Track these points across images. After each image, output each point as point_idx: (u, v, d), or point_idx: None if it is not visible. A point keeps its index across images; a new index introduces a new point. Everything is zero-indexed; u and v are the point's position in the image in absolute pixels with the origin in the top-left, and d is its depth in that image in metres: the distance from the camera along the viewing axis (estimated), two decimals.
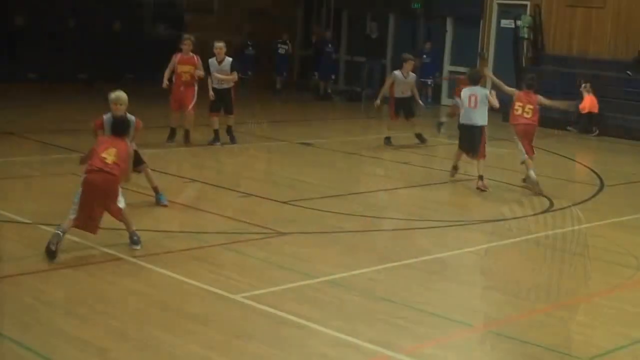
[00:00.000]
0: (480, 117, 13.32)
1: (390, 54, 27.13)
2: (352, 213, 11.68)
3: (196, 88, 15.50)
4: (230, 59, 15.53)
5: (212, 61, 15.55)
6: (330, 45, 26.56)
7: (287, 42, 26.75)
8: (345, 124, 21.55)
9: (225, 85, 15.59)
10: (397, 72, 17.13)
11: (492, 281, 9.01)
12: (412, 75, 17.15)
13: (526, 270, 9.71)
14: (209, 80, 15.56)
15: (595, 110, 21.09)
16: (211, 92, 15.54)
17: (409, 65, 16.98)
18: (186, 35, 16.05)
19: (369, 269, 9.07)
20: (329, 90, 26.20)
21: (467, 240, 10.67)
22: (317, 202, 12.01)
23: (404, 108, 17.21)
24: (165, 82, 15.35)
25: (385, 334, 7.29)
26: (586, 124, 21.02)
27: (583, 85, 21.42)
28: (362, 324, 7.49)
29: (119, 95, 10.20)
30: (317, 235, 10.44)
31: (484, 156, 13.44)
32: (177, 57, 15.47)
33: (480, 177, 13.24)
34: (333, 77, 26.83)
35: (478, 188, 13.16)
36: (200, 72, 15.40)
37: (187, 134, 15.48)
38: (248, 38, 26.32)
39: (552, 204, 12.71)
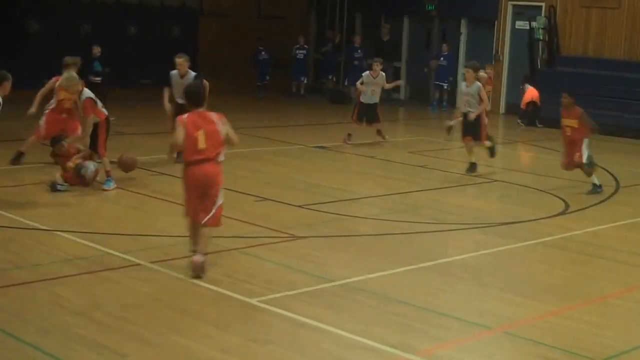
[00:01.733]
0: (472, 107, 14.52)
1: (405, 57, 27.16)
2: (367, 216, 11.73)
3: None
4: (194, 74, 14.39)
5: (175, 74, 14.45)
6: (359, 51, 26.29)
7: (305, 46, 26.81)
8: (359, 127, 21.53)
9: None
10: (367, 73, 17.82)
11: (508, 283, 9.02)
12: (382, 75, 17.79)
13: (542, 272, 9.73)
14: (165, 93, 14.39)
15: (538, 101, 21.76)
16: (167, 105, 14.34)
17: (377, 67, 17.70)
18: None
19: (385, 272, 9.12)
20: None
21: (484, 243, 10.68)
22: (332, 205, 12.07)
23: (367, 114, 17.68)
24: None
25: (402, 336, 7.34)
26: (531, 116, 21.67)
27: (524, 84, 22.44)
28: (378, 326, 7.54)
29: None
30: (332, 239, 10.50)
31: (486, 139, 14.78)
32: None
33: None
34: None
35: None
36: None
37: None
38: (259, 43, 26.21)
39: (567, 205, 12.72)
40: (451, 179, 14.49)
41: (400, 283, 8.87)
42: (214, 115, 8.76)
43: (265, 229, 10.65)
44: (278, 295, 8.18)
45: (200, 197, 8.69)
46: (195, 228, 8.79)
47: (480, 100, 14.53)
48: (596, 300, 8.69)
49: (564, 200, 13.00)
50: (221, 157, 8.75)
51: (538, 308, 8.34)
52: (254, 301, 7.96)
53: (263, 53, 26.19)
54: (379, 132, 17.93)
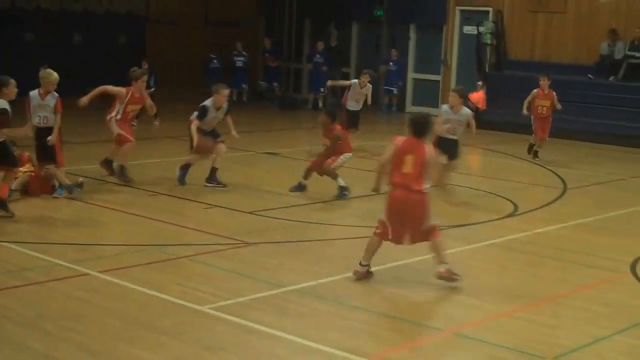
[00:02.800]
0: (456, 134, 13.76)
1: (354, 62, 27.25)
2: (318, 222, 11.72)
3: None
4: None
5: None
6: (318, 56, 26.29)
7: (244, 53, 26.60)
8: (310, 133, 21.52)
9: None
10: (356, 81, 18.15)
11: (460, 285, 9.06)
12: (369, 87, 18.03)
13: (492, 274, 9.80)
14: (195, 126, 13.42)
15: (482, 106, 22.09)
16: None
17: (363, 80, 17.96)
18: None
19: (336, 277, 9.10)
20: (321, 104, 25.11)
21: None
22: (282, 211, 12.04)
23: (353, 121, 17.92)
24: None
25: (355, 341, 7.33)
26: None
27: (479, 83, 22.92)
28: (331, 331, 7.52)
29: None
30: (283, 245, 10.47)
31: None
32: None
33: None
34: (322, 89, 25.24)
35: None
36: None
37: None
38: (211, 51, 26.04)
39: (516, 207, 12.83)
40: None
41: (351, 287, 8.85)
42: (427, 146, 8.85)
43: (215, 236, 10.58)
44: (229, 302, 8.11)
45: (400, 222, 8.84)
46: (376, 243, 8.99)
47: (467, 126, 13.58)
48: (547, 301, 8.77)
49: (512, 202, 13.12)
50: (424, 187, 8.75)
51: (489, 309, 8.39)
52: (205, 309, 7.90)
53: (215, 61, 25.98)
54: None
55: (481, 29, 24.28)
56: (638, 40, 22.10)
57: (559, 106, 17.75)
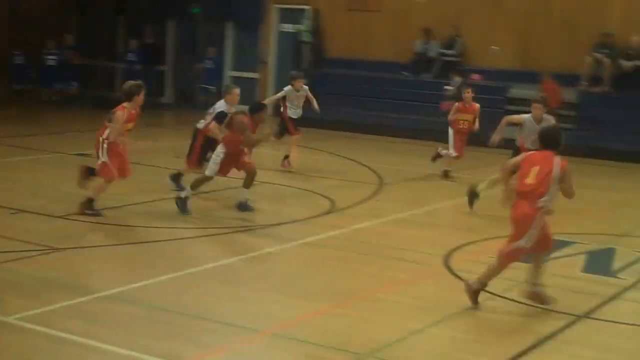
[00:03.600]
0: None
1: (170, 60, 26.87)
2: (131, 224, 11.40)
3: None
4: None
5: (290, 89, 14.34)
6: (132, 54, 25.61)
7: (56, 51, 25.56)
8: (135, 132, 20.91)
9: None
10: (289, 87, 16.58)
11: (276, 284, 9.02)
12: (305, 88, 16.64)
13: (310, 272, 9.81)
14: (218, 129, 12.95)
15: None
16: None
17: (297, 83, 16.55)
18: None
19: (149, 280, 8.87)
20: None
21: (251, 246, 10.68)
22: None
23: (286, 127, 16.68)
24: None
25: (170, 346, 7.15)
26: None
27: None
28: (145, 337, 7.32)
29: None
30: (94, 249, 10.12)
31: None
32: None
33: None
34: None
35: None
36: None
37: None
38: (15, 46, 24.81)
39: (333, 204, 12.92)
40: (218, 182, 14.33)
41: (165, 291, 8.64)
42: (556, 160, 8.39)
43: (22, 242, 10.08)
44: (37, 311, 7.73)
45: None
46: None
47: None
48: (363, 296, 8.84)
49: (329, 199, 13.20)
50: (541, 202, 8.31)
51: (307, 307, 8.37)
52: (10, 319, 7.50)
53: (20, 57, 24.93)
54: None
55: (299, 27, 24.44)
56: (451, 39, 22.84)
57: (476, 126, 15.80)
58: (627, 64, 20.73)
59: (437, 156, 16.04)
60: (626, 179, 17.33)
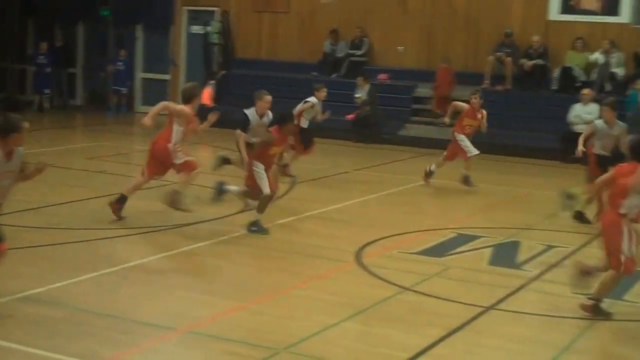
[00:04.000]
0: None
1: (80, 63, 26.59)
2: (46, 226, 11.33)
3: None
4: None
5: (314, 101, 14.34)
6: (42, 57, 25.11)
7: None
8: (48, 134, 20.71)
9: None
10: (317, 101, 15.78)
11: (192, 283, 9.10)
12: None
13: (225, 270, 9.94)
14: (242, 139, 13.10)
15: (209, 102, 22.05)
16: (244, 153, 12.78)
17: (321, 94, 15.79)
18: None
19: (66, 281, 8.88)
20: (47, 105, 24.25)
21: (166, 245, 10.71)
22: (8, 217, 11.50)
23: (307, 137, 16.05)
24: None
25: (88, 346, 7.19)
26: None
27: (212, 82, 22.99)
28: (63, 338, 7.34)
29: None
30: (13, 252, 9.93)
31: None
32: None
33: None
34: (47, 91, 24.67)
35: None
36: None
37: None
38: None
39: (248, 203, 13.03)
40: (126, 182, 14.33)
41: (83, 292, 8.66)
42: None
43: None
44: None
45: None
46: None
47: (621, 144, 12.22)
48: (279, 293, 9.00)
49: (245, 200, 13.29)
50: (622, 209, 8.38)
51: (223, 305, 8.49)
52: None
53: None
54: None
55: (208, 28, 24.51)
56: (358, 40, 23.21)
57: (484, 126, 15.28)
58: (528, 62, 21.39)
59: (429, 174, 15.04)
60: (529, 174, 17.89)
